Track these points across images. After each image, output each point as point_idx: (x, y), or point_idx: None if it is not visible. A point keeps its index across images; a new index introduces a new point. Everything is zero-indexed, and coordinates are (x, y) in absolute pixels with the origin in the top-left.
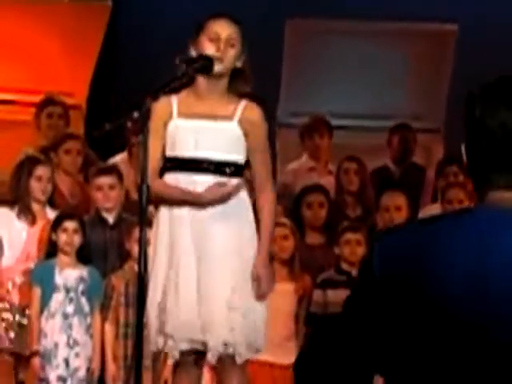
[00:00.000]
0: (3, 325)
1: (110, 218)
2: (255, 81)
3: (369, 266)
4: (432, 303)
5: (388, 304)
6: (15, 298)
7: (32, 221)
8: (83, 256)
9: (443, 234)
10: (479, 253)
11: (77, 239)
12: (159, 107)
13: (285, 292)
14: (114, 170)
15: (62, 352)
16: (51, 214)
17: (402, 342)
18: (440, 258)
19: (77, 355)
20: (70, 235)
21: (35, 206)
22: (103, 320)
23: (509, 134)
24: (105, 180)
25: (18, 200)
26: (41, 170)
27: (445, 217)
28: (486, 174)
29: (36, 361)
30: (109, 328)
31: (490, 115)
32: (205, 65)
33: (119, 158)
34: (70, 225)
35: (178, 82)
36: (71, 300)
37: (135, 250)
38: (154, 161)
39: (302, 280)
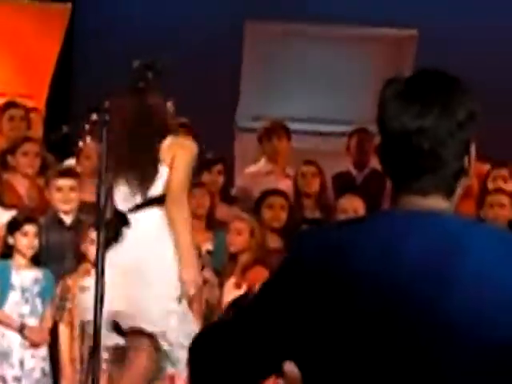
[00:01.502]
0: None
1: (68, 220)
2: (214, 86)
3: (289, 262)
4: (345, 300)
5: (304, 297)
6: None
7: None
8: (37, 257)
9: (359, 236)
10: (389, 255)
11: (36, 242)
12: None
13: (231, 286)
14: (73, 173)
15: (17, 352)
16: (5, 215)
17: (314, 335)
18: (354, 258)
19: (32, 356)
20: (30, 239)
21: None
22: (58, 322)
23: (409, 140)
24: (65, 182)
25: None
26: None
27: (365, 219)
28: (398, 178)
29: None
30: (63, 330)
31: (389, 113)
32: (162, 68)
33: (71, 162)
34: (30, 229)
35: (135, 86)
36: (27, 301)
37: (91, 251)
38: None
39: (253, 274)
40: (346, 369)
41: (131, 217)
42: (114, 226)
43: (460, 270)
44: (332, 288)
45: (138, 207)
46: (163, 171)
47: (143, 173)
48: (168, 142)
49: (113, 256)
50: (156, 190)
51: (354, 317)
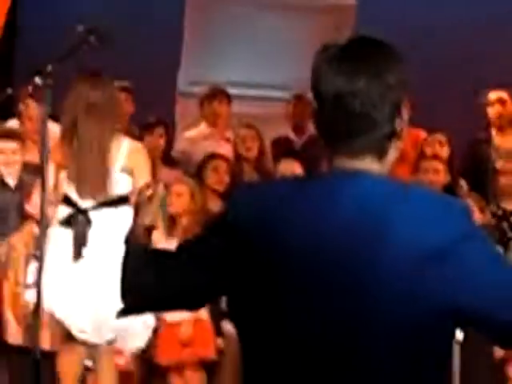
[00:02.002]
0: None
1: (11, 181)
2: (156, 50)
3: (224, 215)
4: (271, 254)
5: (234, 246)
6: None
7: None
8: None
9: (294, 196)
10: (319, 216)
11: None
12: None
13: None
14: (15, 135)
15: None
16: None
17: (241, 283)
18: (284, 217)
19: None
20: None
21: None
22: (2, 279)
23: (342, 102)
24: (7, 145)
25: None
26: None
27: (305, 179)
28: (332, 141)
29: None
30: (7, 287)
31: (321, 79)
32: (105, 34)
33: (14, 123)
34: None
35: (78, 50)
36: None
37: (34, 212)
38: None
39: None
40: (270, 314)
41: (96, 213)
42: (79, 224)
43: (384, 229)
44: (262, 241)
45: (103, 204)
46: (119, 177)
47: (93, 187)
48: (124, 148)
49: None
50: (119, 189)
51: (279, 268)
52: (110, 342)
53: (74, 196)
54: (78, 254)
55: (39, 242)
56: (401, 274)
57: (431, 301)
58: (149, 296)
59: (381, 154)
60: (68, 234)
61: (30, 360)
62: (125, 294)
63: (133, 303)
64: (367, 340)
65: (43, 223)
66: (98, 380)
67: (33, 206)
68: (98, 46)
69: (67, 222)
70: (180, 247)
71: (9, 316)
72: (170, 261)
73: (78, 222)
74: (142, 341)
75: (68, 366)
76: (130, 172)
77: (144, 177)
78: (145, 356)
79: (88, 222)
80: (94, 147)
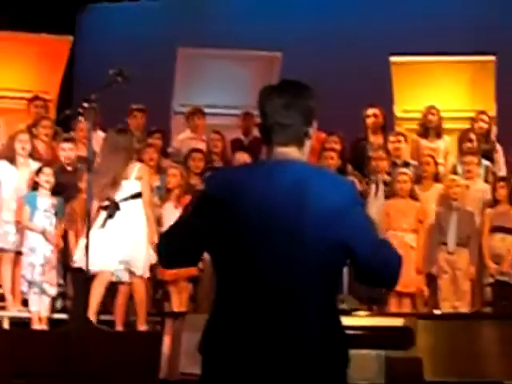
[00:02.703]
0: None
1: (69, 168)
2: (160, 85)
3: (202, 192)
4: (234, 225)
5: (211, 222)
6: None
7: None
8: (53, 190)
9: (245, 178)
10: (265, 188)
11: (51, 179)
12: None
13: (171, 208)
14: (72, 139)
15: (41, 248)
16: (33, 164)
17: (216, 242)
18: (241, 189)
19: (51, 251)
20: (48, 178)
21: (20, 159)
22: (68, 230)
23: (274, 116)
24: (67, 145)
25: (11, 155)
26: (22, 136)
27: (253, 164)
28: (269, 139)
29: (22, 256)
30: (71, 234)
31: (265, 103)
32: (128, 76)
33: (73, 133)
34: (47, 171)
35: (110, 85)
36: (47, 217)
37: (84, 187)
38: None
39: (183, 200)
40: (228, 260)
41: (123, 203)
42: (112, 208)
43: (306, 195)
44: (222, 215)
45: (126, 198)
46: (132, 184)
47: (116, 180)
48: (137, 166)
49: (112, 226)
50: (134, 189)
51: (234, 232)
52: (132, 272)
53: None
54: (103, 225)
55: (87, 210)
56: (317, 223)
57: (334, 240)
58: (176, 256)
59: (300, 145)
60: (102, 215)
61: (83, 276)
62: (162, 255)
63: (168, 259)
64: (300, 261)
65: (89, 194)
66: (132, 288)
67: (83, 184)
68: (123, 83)
69: (105, 207)
70: (184, 222)
71: (73, 252)
72: (181, 235)
73: (111, 206)
74: (147, 268)
75: (101, 278)
76: (139, 179)
77: (146, 181)
78: (152, 275)
79: (117, 207)
80: (111, 172)
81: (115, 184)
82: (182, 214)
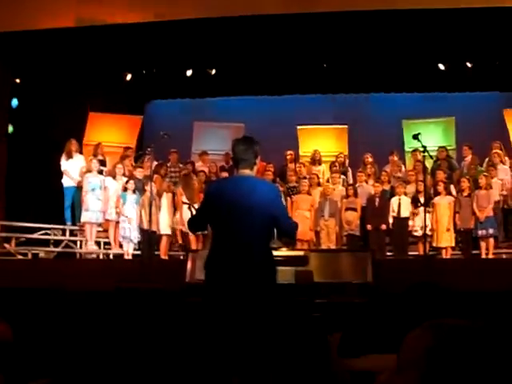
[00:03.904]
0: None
1: (140, 179)
2: (184, 142)
3: (205, 195)
4: (219, 207)
5: (209, 208)
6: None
7: None
8: (134, 190)
9: (225, 185)
10: (234, 189)
11: (133, 186)
12: None
13: None
14: (141, 167)
15: (128, 221)
16: (124, 179)
17: (211, 217)
18: (221, 193)
19: (133, 221)
20: (131, 185)
21: (118, 176)
22: (140, 211)
23: (238, 155)
24: (139, 169)
25: (114, 174)
26: (119, 165)
27: (229, 178)
28: (237, 165)
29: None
30: (144, 214)
31: (235, 148)
32: (169, 135)
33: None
34: (131, 182)
35: (160, 139)
36: (131, 205)
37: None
38: None
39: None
40: (217, 224)
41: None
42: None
43: (253, 195)
44: (214, 202)
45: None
46: None
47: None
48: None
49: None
50: None
51: (219, 211)
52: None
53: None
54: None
55: (150, 202)
56: (260, 205)
57: (268, 214)
58: (195, 228)
59: (251, 169)
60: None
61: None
62: (190, 228)
63: (193, 230)
64: (252, 224)
65: (151, 194)
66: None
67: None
68: (166, 138)
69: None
70: (197, 212)
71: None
72: (195, 220)
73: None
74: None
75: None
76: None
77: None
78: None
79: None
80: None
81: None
82: (199, 206)
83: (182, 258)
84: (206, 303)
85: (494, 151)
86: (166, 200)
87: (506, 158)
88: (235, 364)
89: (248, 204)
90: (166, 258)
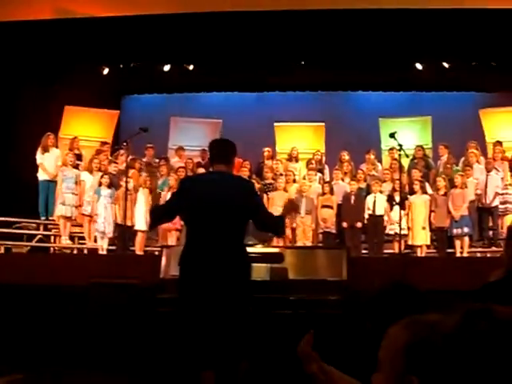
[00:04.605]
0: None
1: (115, 174)
2: (161, 137)
3: (179, 188)
4: (194, 202)
5: (182, 202)
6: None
7: None
8: (109, 186)
9: (200, 179)
10: (210, 183)
11: (107, 181)
12: None
13: None
14: (116, 161)
15: (102, 215)
16: (99, 173)
17: (186, 211)
18: (197, 186)
19: (108, 216)
20: (106, 179)
21: (94, 171)
22: (115, 205)
23: (218, 152)
24: (114, 164)
25: (90, 168)
26: (95, 160)
27: (206, 173)
28: (213, 161)
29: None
30: (117, 208)
31: (212, 145)
32: (146, 129)
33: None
34: (106, 176)
35: (136, 135)
36: (106, 200)
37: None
38: None
39: None
40: (191, 219)
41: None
42: None
43: (228, 190)
44: (189, 196)
45: None
46: None
47: None
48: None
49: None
50: None
51: (194, 205)
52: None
53: None
54: None
55: (125, 196)
56: (235, 199)
57: (244, 207)
58: (157, 219)
59: (228, 166)
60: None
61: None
62: (151, 218)
63: (153, 222)
64: (227, 218)
65: (126, 188)
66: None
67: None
68: (143, 133)
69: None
70: (166, 203)
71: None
72: (163, 209)
73: None
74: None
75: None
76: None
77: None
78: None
79: None
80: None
81: None
82: (169, 198)
83: (157, 253)
84: (181, 299)
85: (471, 151)
86: (142, 195)
87: (482, 158)
88: (209, 358)
89: (222, 199)
90: (142, 253)
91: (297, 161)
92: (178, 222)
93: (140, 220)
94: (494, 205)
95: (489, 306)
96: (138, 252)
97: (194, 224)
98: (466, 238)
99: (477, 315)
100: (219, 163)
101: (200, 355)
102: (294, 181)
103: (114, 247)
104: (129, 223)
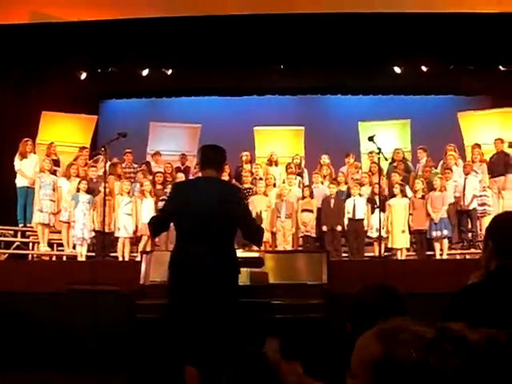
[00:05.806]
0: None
1: (94, 180)
2: (140, 142)
3: (170, 194)
4: (185, 207)
5: (174, 208)
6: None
7: None
8: (87, 191)
9: (190, 185)
10: (198, 189)
11: (86, 186)
12: None
13: None
14: (95, 166)
15: (80, 221)
16: (77, 179)
17: (176, 216)
18: (187, 192)
19: (86, 222)
20: (84, 185)
21: (72, 177)
22: (93, 211)
23: (208, 157)
24: (93, 169)
25: (68, 175)
26: (73, 166)
27: (195, 178)
28: (202, 168)
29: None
30: (95, 214)
31: (203, 152)
32: (124, 135)
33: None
34: (84, 182)
35: (115, 140)
36: (84, 205)
37: (102, 190)
38: None
39: None
40: (181, 225)
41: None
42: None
43: (217, 191)
44: (180, 202)
45: None
46: None
47: None
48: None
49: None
50: None
51: (184, 211)
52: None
53: None
54: None
55: (103, 202)
56: (222, 204)
57: (230, 213)
58: (157, 229)
59: (218, 172)
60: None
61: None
62: (152, 229)
63: (155, 232)
64: (213, 223)
65: (104, 193)
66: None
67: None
68: (121, 138)
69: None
70: (161, 211)
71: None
72: (160, 217)
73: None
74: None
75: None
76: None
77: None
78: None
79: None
80: None
81: None
82: (162, 206)
83: (136, 259)
84: (171, 302)
85: (449, 154)
86: (147, 203)
87: (460, 161)
88: (193, 354)
89: (211, 203)
90: (121, 259)
91: (276, 165)
92: None
93: (120, 226)
94: (472, 207)
95: (464, 333)
96: (119, 258)
97: (184, 229)
98: (446, 241)
99: (449, 341)
100: (209, 168)
101: (185, 350)
102: (274, 185)
103: (93, 253)
104: (108, 229)
